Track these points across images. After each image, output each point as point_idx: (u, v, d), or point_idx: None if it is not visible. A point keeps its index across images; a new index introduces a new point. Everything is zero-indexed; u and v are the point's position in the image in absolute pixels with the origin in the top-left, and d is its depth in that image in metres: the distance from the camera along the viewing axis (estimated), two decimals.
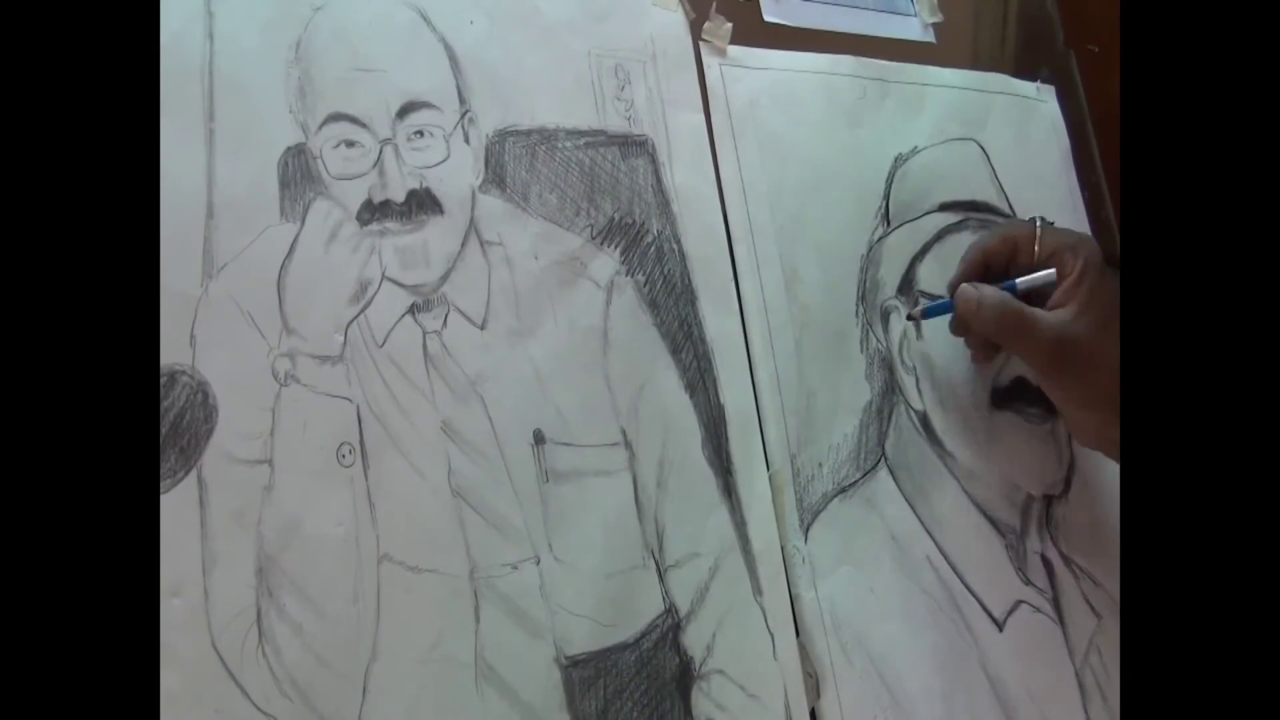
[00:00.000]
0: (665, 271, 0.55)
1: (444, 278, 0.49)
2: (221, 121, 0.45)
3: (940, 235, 0.65)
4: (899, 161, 0.66)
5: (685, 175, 0.57)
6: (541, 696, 0.46)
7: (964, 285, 0.58)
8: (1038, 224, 0.58)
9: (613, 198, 0.55)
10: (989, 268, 0.59)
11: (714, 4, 0.62)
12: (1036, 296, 0.57)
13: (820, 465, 0.57)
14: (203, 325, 0.43)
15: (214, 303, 0.44)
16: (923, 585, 0.58)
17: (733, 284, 0.58)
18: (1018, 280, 0.57)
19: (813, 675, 0.53)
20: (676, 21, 0.61)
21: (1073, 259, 0.56)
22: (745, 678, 0.51)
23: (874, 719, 0.53)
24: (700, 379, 0.55)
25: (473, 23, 0.53)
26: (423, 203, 0.49)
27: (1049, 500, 0.64)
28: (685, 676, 0.50)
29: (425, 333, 0.48)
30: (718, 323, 0.56)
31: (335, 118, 0.48)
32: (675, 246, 0.56)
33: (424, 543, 0.45)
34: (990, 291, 0.57)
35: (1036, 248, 0.57)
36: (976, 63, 0.76)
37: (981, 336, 0.60)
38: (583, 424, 0.50)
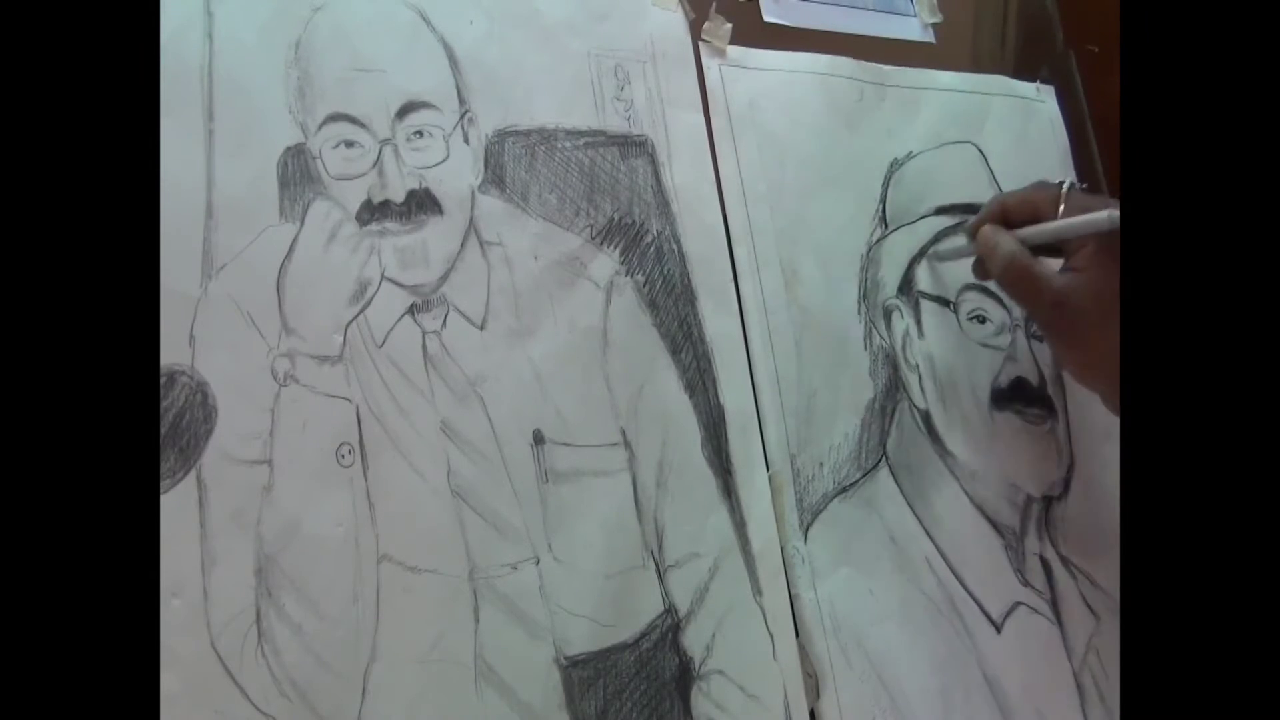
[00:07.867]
0: (665, 272, 0.55)
1: (443, 278, 0.49)
2: (221, 121, 0.45)
3: (937, 238, 0.66)
4: (895, 166, 0.66)
5: (685, 175, 0.57)
6: (541, 697, 0.46)
7: (987, 227, 0.59)
8: (1063, 186, 0.58)
9: (612, 198, 0.55)
10: (1008, 222, 0.60)
11: (714, 4, 0.62)
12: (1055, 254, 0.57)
13: (820, 465, 0.57)
14: (202, 325, 0.43)
15: (213, 303, 0.44)
16: (922, 587, 0.58)
17: (732, 284, 0.58)
18: (1023, 230, 0.58)
19: (812, 676, 0.53)
20: (676, 22, 0.60)
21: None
22: (745, 678, 0.51)
23: None
24: (700, 379, 0.55)
25: (472, 23, 0.53)
26: (422, 203, 0.49)
27: (1048, 501, 0.64)
28: (685, 677, 0.50)
29: (425, 333, 0.48)
30: (717, 323, 0.56)
31: (335, 118, 0.48)
32: (675, 247, 0.56)
33: (423, 543, 0.45)
34: (1006, 239, 0.57)
35: (1061, 208, 0.57)
36: (976, 63, 0.76)
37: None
38: (582, 424, 0.50)
